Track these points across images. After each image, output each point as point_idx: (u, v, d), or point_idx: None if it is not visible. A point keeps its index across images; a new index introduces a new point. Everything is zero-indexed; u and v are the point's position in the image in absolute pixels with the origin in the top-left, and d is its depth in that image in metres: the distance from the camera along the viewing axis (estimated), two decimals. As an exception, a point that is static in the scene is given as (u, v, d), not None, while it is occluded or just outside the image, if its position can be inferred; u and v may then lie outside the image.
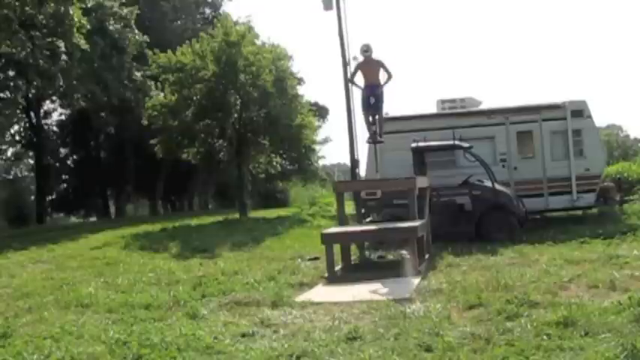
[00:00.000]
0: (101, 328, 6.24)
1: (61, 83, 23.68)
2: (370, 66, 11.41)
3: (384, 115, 12.10)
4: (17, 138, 35.37)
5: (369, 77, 11.44)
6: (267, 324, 6.12)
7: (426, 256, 10.10)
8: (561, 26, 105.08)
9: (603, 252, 9.53)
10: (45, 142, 34.79)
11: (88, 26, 22.91)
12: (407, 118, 15.30)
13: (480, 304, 6.32)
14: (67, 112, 35.01)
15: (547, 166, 14.72)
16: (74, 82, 24.30)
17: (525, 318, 5.61)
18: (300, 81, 24.41)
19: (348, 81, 11.68)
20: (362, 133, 14.75)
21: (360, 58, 11.92)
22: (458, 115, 15.59)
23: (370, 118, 11.73)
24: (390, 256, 10.92)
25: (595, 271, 7.84)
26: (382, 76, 11.46)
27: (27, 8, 20.74)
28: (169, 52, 22.65)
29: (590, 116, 14.85)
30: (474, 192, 12.99)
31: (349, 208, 13.71)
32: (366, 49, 11.39)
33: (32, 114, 32.87)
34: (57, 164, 38.06)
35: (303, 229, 17.22)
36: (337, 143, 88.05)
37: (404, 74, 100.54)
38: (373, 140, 12.06)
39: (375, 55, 11.43)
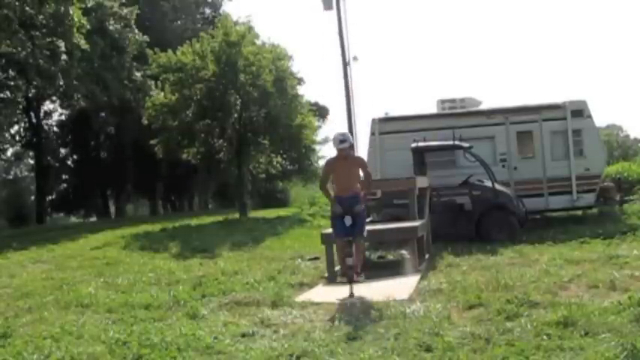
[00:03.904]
0: (101, 328, 6.24)
1: (61, 83, 23.70)
2: (347, 164, 7.87)
3: (384, 115, 11.85)
4: (17, 138, 35.38)
5: (343, 181, 7.87)
6: (267, 324, 6.12)
7: (426, 256, 10.11)
8: (561, 26, 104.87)
9: (603, 252, 9.54)
10: (45, 142, 34.82)
11: (88, 26, 22.94)
12: (407, 118, 15.30)
13: (480, 304, 6.32)
14: (67, 112, 35.01)
15: (547, 166, 14.72)
16: (74, 82, 24.30)
17: (525, 318, 5.61)
18: (300, 81, 24.39)
19: (320, 188, 8.10)
20: (362, 133, 14.69)
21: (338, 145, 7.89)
22: (458, 115, 15.53)
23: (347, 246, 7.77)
24: (390, 256, 10.92)
25: (595, 271, 7.85)
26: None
27: (27, 8, 20.74)
28: (169, 51, 22.65)
29: (590, 116, 14.85)
30: (474, 192, 12.99)
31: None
32: (342, 139, 7.83)
33: (32, 114, 32.89)
34: (57, 164, 38.07)
35: (303, 229, 17.22)
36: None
37: (404, 74, 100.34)
38: (349, 280, 7.63)
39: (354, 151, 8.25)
